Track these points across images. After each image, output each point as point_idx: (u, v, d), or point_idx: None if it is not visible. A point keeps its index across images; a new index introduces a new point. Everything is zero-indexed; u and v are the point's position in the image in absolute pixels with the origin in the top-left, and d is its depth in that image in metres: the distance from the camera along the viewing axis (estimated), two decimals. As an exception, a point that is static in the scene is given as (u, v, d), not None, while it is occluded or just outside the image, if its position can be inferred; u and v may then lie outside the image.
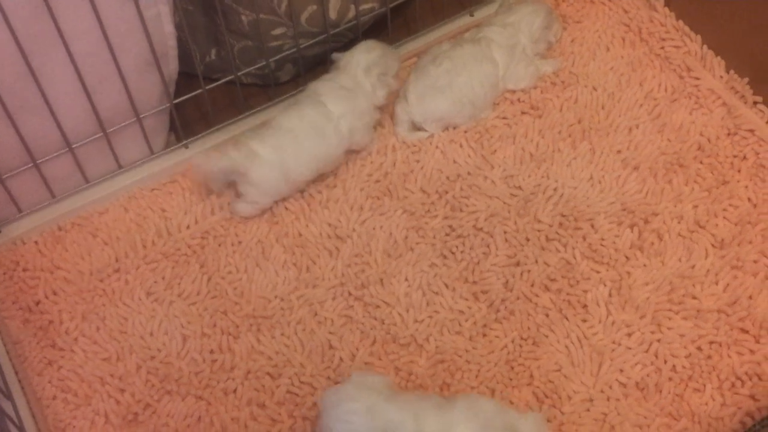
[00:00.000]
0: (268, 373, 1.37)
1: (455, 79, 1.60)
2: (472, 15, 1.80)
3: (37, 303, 1.46)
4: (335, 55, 1.61)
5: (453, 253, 1.48)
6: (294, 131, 1.51)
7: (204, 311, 1.44)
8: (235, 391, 1.35)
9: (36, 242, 1.53)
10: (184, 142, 1.63)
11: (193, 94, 1.59)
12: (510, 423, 1.18)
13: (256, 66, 1.65)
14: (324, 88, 1.55)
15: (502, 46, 1.64)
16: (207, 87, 1.59)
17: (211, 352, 1.39)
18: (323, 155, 1.53)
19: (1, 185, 1.48)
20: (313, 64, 1.72)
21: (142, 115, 1.54)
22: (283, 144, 1.50)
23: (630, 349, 1.36)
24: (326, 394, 1.24)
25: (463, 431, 1.17)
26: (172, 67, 1.56)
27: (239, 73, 1.64)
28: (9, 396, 1.31)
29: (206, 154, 1.54)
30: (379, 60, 1.58)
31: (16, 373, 1.37)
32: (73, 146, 1.51)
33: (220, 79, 1.66)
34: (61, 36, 1.36)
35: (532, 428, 1.18)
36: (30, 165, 1.49)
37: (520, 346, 1.37)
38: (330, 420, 1.22)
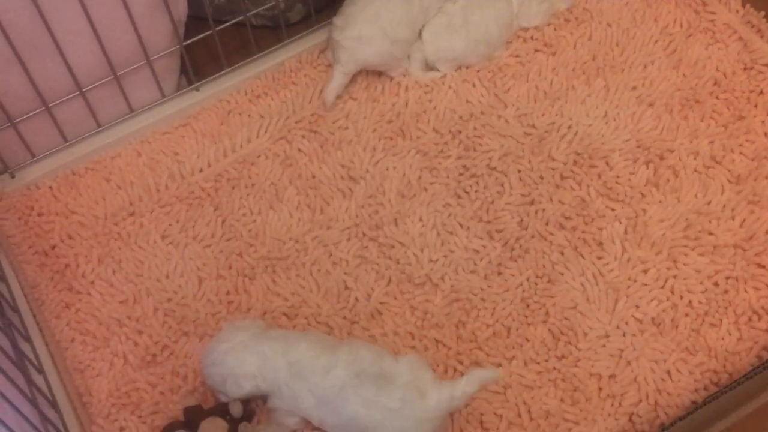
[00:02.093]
0: (284, 314, 1.37)
1: (470, 18, 1.58)
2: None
3: (53, 247, 1.46)
4: None
5: (467, 192, 1.47)
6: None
7: (219, 253, 1.44)
8: (251, 331, 1.36)
9: (50, 187, 1.53)
10: (195, 84, 1.62)
11: (203, 35, 1.58)
12: (386, 369, 1.18)
13: (266, 6, 1.64)
14: None
15: (516, -18, 1.63)
16: (216, 29, 1.57)
17: (227, 293, 1.40)
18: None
19: (14, 130, 1.48)
20: (324, 4, 1.71)
21: (152, 58, 1.53)
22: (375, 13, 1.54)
23: (646, 285, 1.35)
24: (203, 349, 1.28)
25: (337, 375, 1.18)
26: (181, 8, 1.56)
27: (249, 14, 1.62)
28: (28, 338, 1.32)
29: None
30: None
31: (34, 316, 1.38)
32: (85, 90, 1.50)
33: (230, 21, 1.64)
34: (70, -22, 1.35)
35: (406, 371, 1.18)
36: (42, 109, 1.48)
37: (536, 284, 1.37)
38: (208, 367, 1.24)
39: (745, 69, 1.57)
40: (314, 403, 1.19)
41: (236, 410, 1.25)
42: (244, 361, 1.21)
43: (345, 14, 1.55)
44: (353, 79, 1.60)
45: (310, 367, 1.19)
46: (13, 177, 1.53)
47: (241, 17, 1.62)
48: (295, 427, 1.24)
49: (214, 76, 1.63)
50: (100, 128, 1.57)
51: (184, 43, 1.57)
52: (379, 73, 1.61)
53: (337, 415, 1.18)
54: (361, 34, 1.52)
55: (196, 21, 1.61)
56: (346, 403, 1.17)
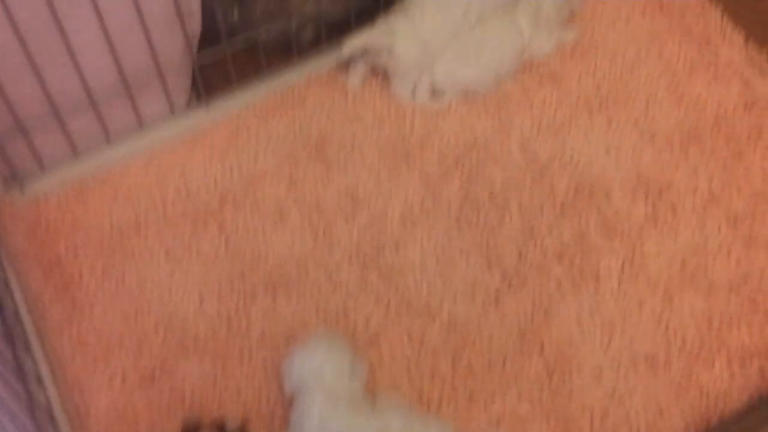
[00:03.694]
0: (283, 336, 1.39)
1: (483, 47, 1.60)
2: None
3: (58, 259, 1.48)
4: None
5: (468, 221, 1.49)
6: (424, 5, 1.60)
7: (221, 273, 1.46)
8: (250, 352, 1.38)
9: (58, 199, 1.55)
10: (206, 101, 1.64)
11: (215, 49, 1.59)
12: None
13: (277, 25, 1.66)
14: None
15: (528, 13, 1.64)
16: (229, 47, 1.59)
17: (228, 313, 1.42)
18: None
19: (25, 139, 1.50)
20: (337, 29, 1.72)
21: (165, 72, 1.55)
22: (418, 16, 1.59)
23: (641, 321, 1.37)
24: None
25: None
26: (195, 25, 1.57)
27: (260, 32, 1.64)
28: (29, 351, 1.34)
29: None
30: None
31: (36, 329, 1.39)
32: (96, 103, 1.52)
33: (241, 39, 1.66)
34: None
35: None
36: (53, 121, 1.50)
37: (532, 315, 1.39)
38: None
39: (746, 107, 1.59)
40: None
41: (231, 426, 1.27)
42: None
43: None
44: (360, 100, 1.62)
45: None
46: (22, 188, 1.55)
47: (253, 33, 1.63)
48: None
49: (224, 94, 1.65)
50: (110, 142, 1.59)
51: (198, 61, 1.59)
52: (387, 96, 1.63)
53: None
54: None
55: (207, 40, 1.63)
56: None
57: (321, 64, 1.69)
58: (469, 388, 1.32)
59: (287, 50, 1.72)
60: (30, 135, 1.50)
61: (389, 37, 1.58)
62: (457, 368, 1.34)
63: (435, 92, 1.64)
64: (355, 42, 1.59)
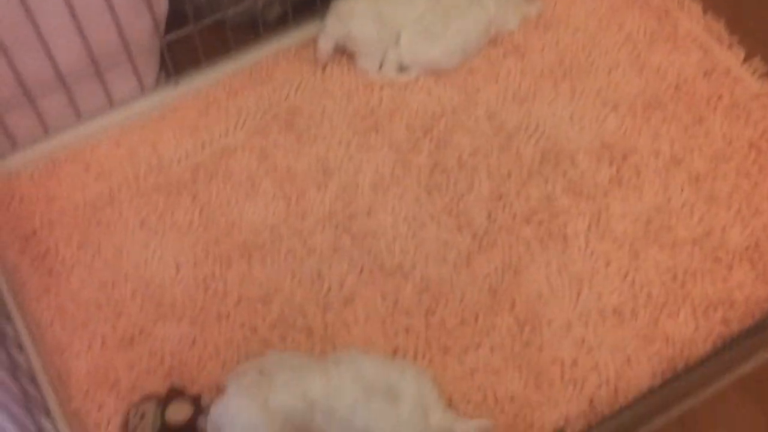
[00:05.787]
0: (259, 300, 1.41)
1: (449, 26, 1.64)
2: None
3: (34, 232, 1.49)
4: None
5: (438, 187, 1.52)
6: None
7: (196, 241, 1.48)
8: (228, 315, 1.40)
9: (31, 175, 1.56)
10: (174, 79, 1.66)
11: (184, 30, 1.61)
12: (391, 383, 1.22)
13: (244, 4, 1.68)
14: None
15: (492, -12, 1.68)
16: (197, 26, 1.61)
17: (204, 279, 1.44)
18: None
19: (-2, 119, 1.52)
20: (302, 6, 1.75)
21: (133, 53, 1.57)
22: None
23: (608, 277, 1.41)
24: (215, 414, 1.21)
25: (349, 396, 1.21)
26: (162, 5, 1.59)
27: (228, 12, 1.66)
28: (9, 318, 1.35)
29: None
30: None
31: (15, 297, 1.41)
32: (67, 83, 1.54)
33: (209, 19, 1.68)
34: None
35: (411, 385, 1.22)
36: (25, 101, 1.52)
37: (503, 274, 1.42)
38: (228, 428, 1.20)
39: (705, 75, 1.64)
40: (325, 422, 1.21)
41: (206, 401, 1.29)
42: (272, 422, 1.19)
43: None
44: (329, 77, 1.65)
45: (326, 399, 1.21)
46: (-6, 165, 1.57)
47: (220, 15, 1.65)
48: None
49: (193, 71, 1.67)
50: (81, 120, 1.61)
51: (165, 39, 1.61)
52: (355, 71, 1.66)
53: (348, 430, 1.21)
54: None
55: (174, 18, 1.65)
56: (356, 418, 1.20)
57: (288, 40, 1.72)
58: (443, 343, 1.35)
59: (254, 27, 1.74)
60: (1, 114, 1.52)
61: (347, 19, 1.62)
62: (430, 325, 1.37)
63: (402, 68, 1.67)
64: (323, 41, 1.65)
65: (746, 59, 1.65)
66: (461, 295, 1.40)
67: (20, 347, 1.32)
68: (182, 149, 1.58)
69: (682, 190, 1.50)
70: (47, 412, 1.26)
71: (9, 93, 1.50)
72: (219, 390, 1.28)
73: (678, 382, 1.26)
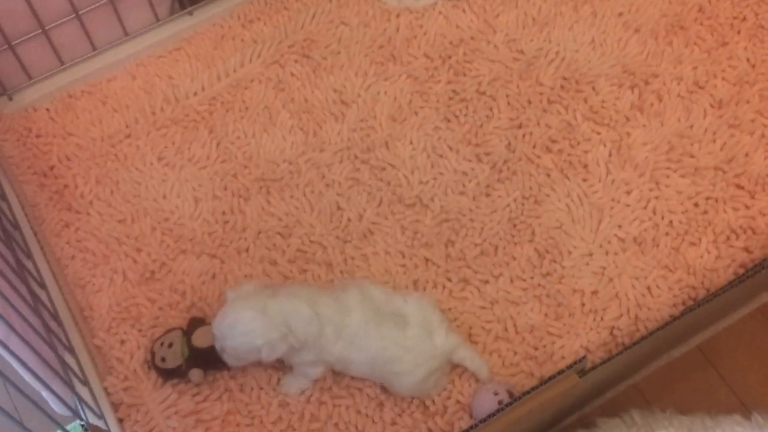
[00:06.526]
0: (278, 233, 1.41)
1: None
2: None
3: (52, 168, 1.50)
4: None
5: (456, 116, 1.51)
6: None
7: (214, 175, 1.47)
8: (247, 249, 1.40)
9: (47, 109, 1.56)
10: (189, 9, 1.64)
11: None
12: (397, 308, 1.25)
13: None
14: None
15: None
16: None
17: (223, 213, 1.44)
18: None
19: (12, 52, 1.50)
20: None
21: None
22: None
23: (628, 206, 1.40)
24: (215, 325, 1.23)
25: (360, 315, 1.23)
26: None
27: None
28: (29, 255, 1.36)
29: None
30: None
31: (35, 234, 1.41)
32: (80, 12, 1.52)
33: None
34: None
35: (415, 311, 1.25)
36: (39, 31, 1.50)
37: (522, 204, 1.42)
38: (235, 339, 1.20)
39: (729, -4, 1.60)
40: (341, 346, 1.22)
41: None
42: (271, 325, 1.19)
43: None
44: (345, 4, 1.63)
45: (336, 315, 1.23)
46: (11, 99, 1.56)
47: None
48: (318, 376, 1.28)
49: (207, 1, 1.65)
50: (96, 51, 1.59)
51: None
52: (371, 0, 1.63)
53: (363, 353, 1.22)
54: None
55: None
56: (370, 341, 1.22)
57: (304, -32, 1.69)
58: (462, 274, 1.35)
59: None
60: (17, 48, 1.50)
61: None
62: (450, 256, 1.37)
63: (419, -7, 1.65)
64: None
65: (772, -21, 1.62)
66: (481, 226, 1.40)
67: (41, 282, 1.33)
68: (198, 81, 1.57)
69: (704, 115, 1.47)
70: (70, 348, 1.27)
71: (24, 24, 1.49)
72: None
73: (699, 311, 1.25)
